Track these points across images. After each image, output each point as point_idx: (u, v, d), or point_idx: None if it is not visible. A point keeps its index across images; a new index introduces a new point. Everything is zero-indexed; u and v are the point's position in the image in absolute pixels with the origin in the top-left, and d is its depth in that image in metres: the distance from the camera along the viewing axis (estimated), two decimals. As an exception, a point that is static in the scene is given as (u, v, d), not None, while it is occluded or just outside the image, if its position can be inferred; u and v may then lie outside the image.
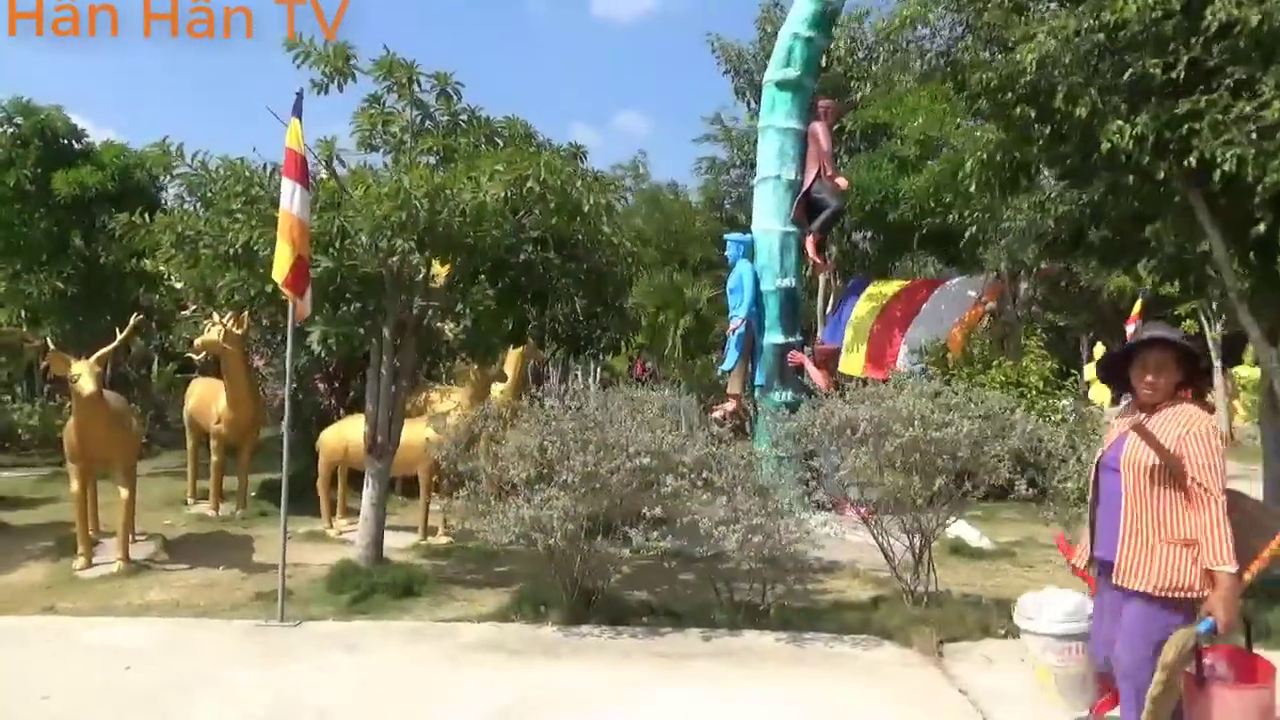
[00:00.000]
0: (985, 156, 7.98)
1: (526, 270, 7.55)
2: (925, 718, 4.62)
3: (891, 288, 15.86)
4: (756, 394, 10.76)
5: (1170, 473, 3.48)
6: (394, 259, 7.24)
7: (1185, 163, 5.45)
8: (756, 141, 22.38)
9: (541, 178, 6.14)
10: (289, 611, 6.21)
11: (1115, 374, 3.87)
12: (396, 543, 8.49)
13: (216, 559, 8.15)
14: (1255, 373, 24.70)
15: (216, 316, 9.98)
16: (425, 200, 6.01)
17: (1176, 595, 3.45)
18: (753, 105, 17.99)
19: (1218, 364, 22.06)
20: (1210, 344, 21.78)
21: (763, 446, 10.64)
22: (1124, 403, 4.12)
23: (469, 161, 7.05)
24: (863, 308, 15.18)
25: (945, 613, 6.01)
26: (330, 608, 6.62)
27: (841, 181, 10.85)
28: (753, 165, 22.79)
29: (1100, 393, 17.75)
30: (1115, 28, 5.28)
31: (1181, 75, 5.16)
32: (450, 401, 11.83)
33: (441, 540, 9.35)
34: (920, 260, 17.88)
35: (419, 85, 7.99)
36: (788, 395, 10.60)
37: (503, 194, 6.11)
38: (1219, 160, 5.18)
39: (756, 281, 10.68)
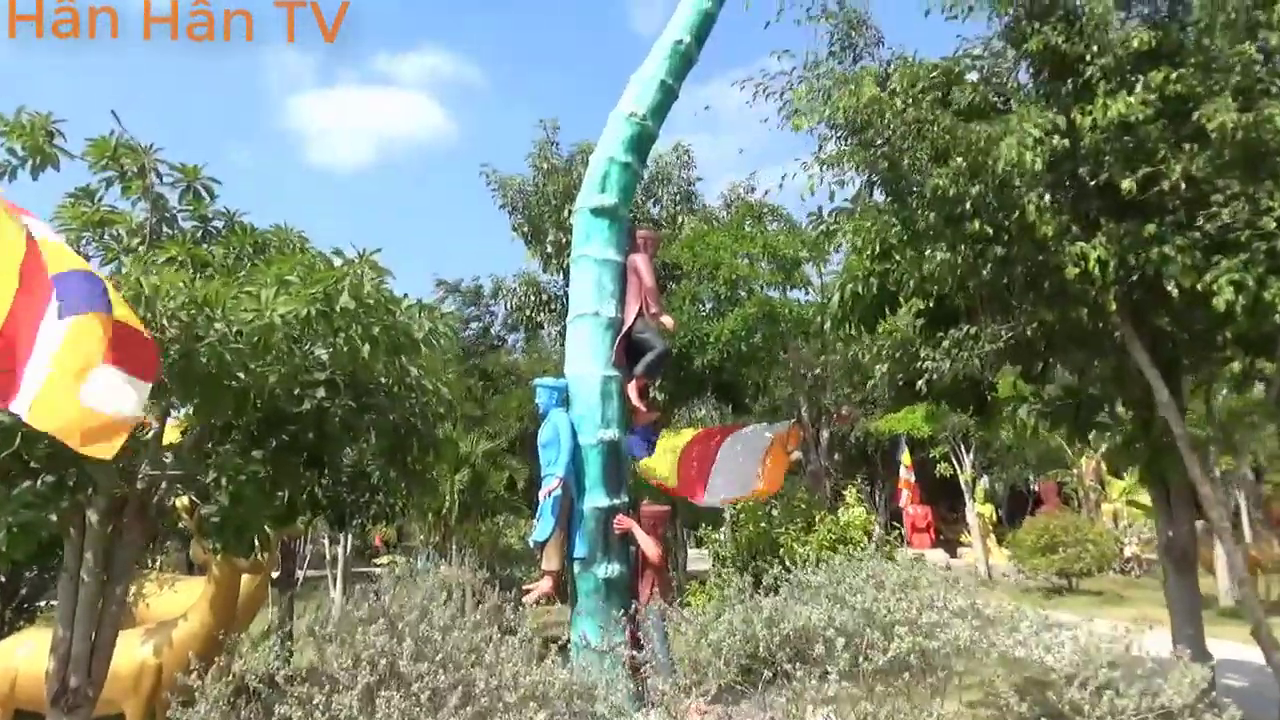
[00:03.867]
0: (858, 289, 7.12)
1: (317, 424, 5.46)
2: None
3: (683, 438, 14.93)
4: (576, 568, 8.97)
5: None
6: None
7: (1163, 289, 4.63)
8: (494, 292, 21.56)
9: (363, 292, 4.26)
10: None
11: None
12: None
13: None
14: (989, 508, 26.41)
15: None
16: (182, 315, 3.93)
17: None
18: (530, 242, 16.94)
19: (971, 503, 23.04)
20: (964, 485, 22.76)
21: (586, 635, 8.81)
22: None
23: (230, 275, 5.04)
24: (662, 462, 14.10)
25: None
26: None
27: (668, 320, 9.65)
28: (507, 317, 21.85)
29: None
30: (1093, 129, 4.45)
31: (1179, 185, 4.38)
32: (174, 596, 8.99)
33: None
34: (709, 407, 17.13)
35: (157, 176, 5.96)
36: (614, 569, 8.93)
37: (305, 312, 4.15)
38: (1217, 289, 4.37)
39: (574, 434, 9.07)
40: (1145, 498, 24.41)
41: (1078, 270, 4.60)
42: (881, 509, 27.58)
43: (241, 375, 4.64)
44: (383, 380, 6.16)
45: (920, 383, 6.51)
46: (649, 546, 9.01)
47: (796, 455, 13.17)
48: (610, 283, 9.51)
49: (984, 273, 5.06)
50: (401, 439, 6.48)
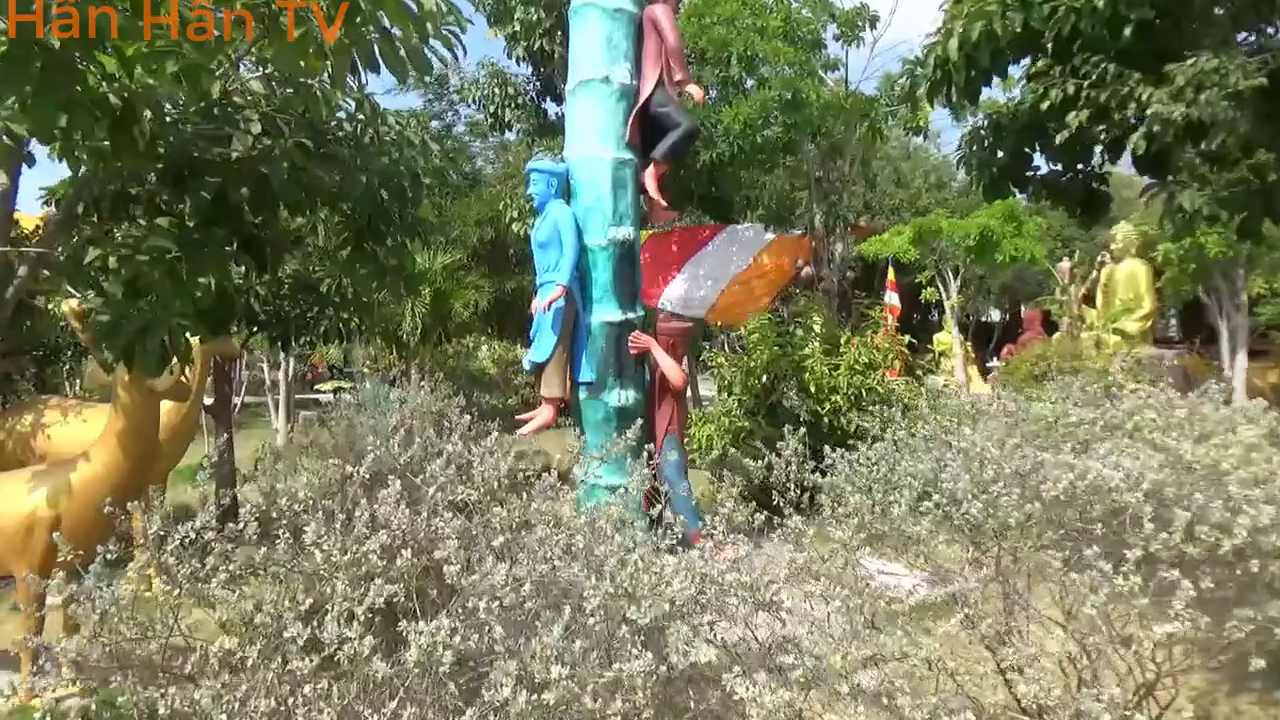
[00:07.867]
0: (993, 27, 5.36)
1: (255, 175, 3.55)
2: None
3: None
4: (582, 394, 7.38)
5: None
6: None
7: None
8: (460, 89, 19.07)
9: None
10: None
11: None
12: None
13: None
14: (948, 337, 25.52)
15: None
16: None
17: None
18: (492, 19, 14.41)
19: (956, 331, 21.95)
20: (949, 311, 21.60)
21: (596, 471, 7.41)
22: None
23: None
24: None
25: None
26: None
27: (695, 90, 7.64)
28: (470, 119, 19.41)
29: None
30: None
31: None
32: (83, 426, 7.22)
33: (69, 695, 5.10)
34: (689, 221, 15.30)
35: None
36: (628, 397, 7.37)
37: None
38: None
39: (579, 233, 7.27)
40: (1129, 326, 23.83)
41: None
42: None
43: (120, 75, 2.70)
44: (346, 128, 4.23)
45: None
46: (671, 369, 7.42)
47: (808, 271, 11.57)
48: (623, 40, 7.43)
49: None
50: (373, 216, 4.60)
